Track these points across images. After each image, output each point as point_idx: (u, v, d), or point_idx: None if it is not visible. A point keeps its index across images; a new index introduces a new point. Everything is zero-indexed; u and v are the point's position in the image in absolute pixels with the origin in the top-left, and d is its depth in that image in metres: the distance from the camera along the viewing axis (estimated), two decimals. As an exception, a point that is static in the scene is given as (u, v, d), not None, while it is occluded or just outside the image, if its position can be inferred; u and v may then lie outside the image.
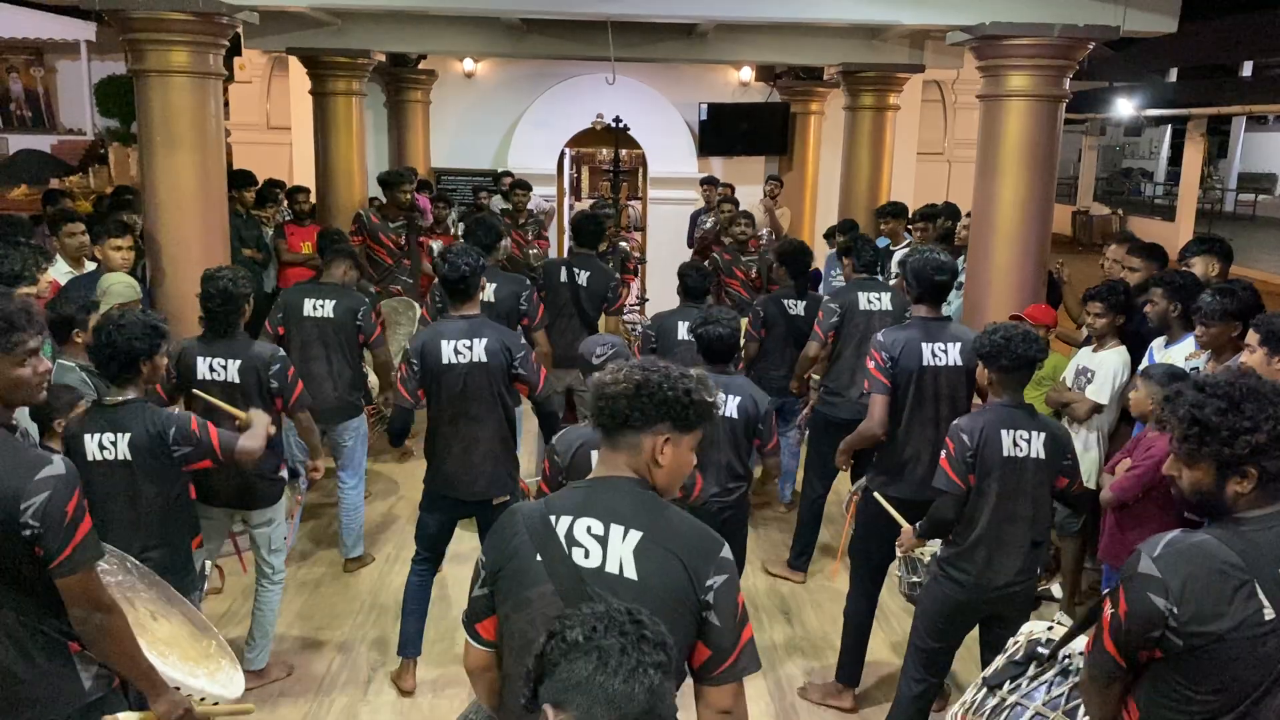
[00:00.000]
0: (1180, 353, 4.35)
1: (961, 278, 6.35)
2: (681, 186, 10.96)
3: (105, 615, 2.43)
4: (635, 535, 2.03)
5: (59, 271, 5.31)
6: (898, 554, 3.98)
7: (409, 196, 7.90)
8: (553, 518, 2.06)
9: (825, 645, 4.78)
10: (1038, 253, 5.86)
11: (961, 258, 6.55)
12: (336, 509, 5.53)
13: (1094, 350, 4.85)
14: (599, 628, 1.43)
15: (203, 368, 4.11)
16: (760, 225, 8.08)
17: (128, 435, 3.33)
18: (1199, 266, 4.75)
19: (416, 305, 7.06)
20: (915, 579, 3.90)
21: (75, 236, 5.55)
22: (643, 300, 10.29)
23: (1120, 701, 2.19)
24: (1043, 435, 3.42)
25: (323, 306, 5.21)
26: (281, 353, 4.27)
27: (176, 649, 2.87)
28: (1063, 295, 6.12)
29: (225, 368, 4.10)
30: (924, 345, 4.10)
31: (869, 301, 5.29)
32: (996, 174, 5.82)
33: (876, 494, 4.12)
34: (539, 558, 2.03)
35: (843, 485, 5.05)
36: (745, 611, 2.10)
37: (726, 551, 2.09)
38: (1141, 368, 4.44)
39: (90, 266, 5.44)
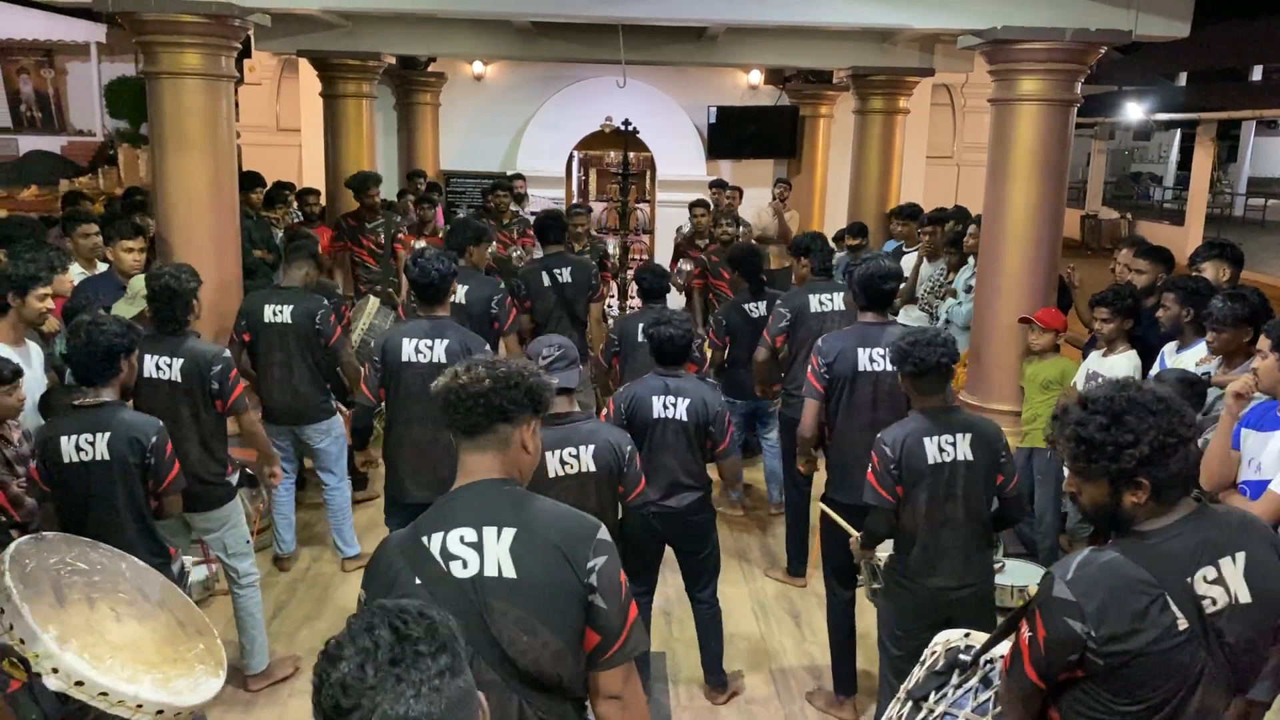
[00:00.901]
0: (1192, 358, 4.33)
1: (972, 282, 6.35)
2: (690, 189, 10.93)
3: None
4: (509, 533, 2.02)
5: (73, 272, 5.34)
6: (855, 559, 3.93)
7: (376, 199, 7.94)
8: (424, 538, 2.04)
9: (834, 649, 4.77)
10: (1048, 257, 5.84)
11: (971, 261, 6.55)
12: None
13: (1104, 355, 4.84)
14: (367, 665, 1.31)
15: (149, 365, 4.09)
16: (769, 229, 8.07)
17: (107, 434, 3.33)
18: (1210, 271, 4.74)
19: (372, 298, 6.98)
20: (877, 585, 3.84)
21: (89, 238, 5.58)
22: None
23: (1041, 714, 2.20)
24: (969, 436, 3.38)
25: (281, 312, 5.18)
26: (226, 353, 4.24)
27: (126, 653, 2.71)
28: (1074, 299, 6.12)
29: (170, 365, 4.10)
30: (860, 351, 4.14)
31: (820, 303, 5.22)
32: (1007, 178, 5.81)
33: (821, 504, 4.17)
34: (418, 581, 1.99)
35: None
36: (629, 590, 2.09)
37: (603, 533, 2.08)
38: (1153, 372, 4.43)
39: (102, 268, 5.47)
